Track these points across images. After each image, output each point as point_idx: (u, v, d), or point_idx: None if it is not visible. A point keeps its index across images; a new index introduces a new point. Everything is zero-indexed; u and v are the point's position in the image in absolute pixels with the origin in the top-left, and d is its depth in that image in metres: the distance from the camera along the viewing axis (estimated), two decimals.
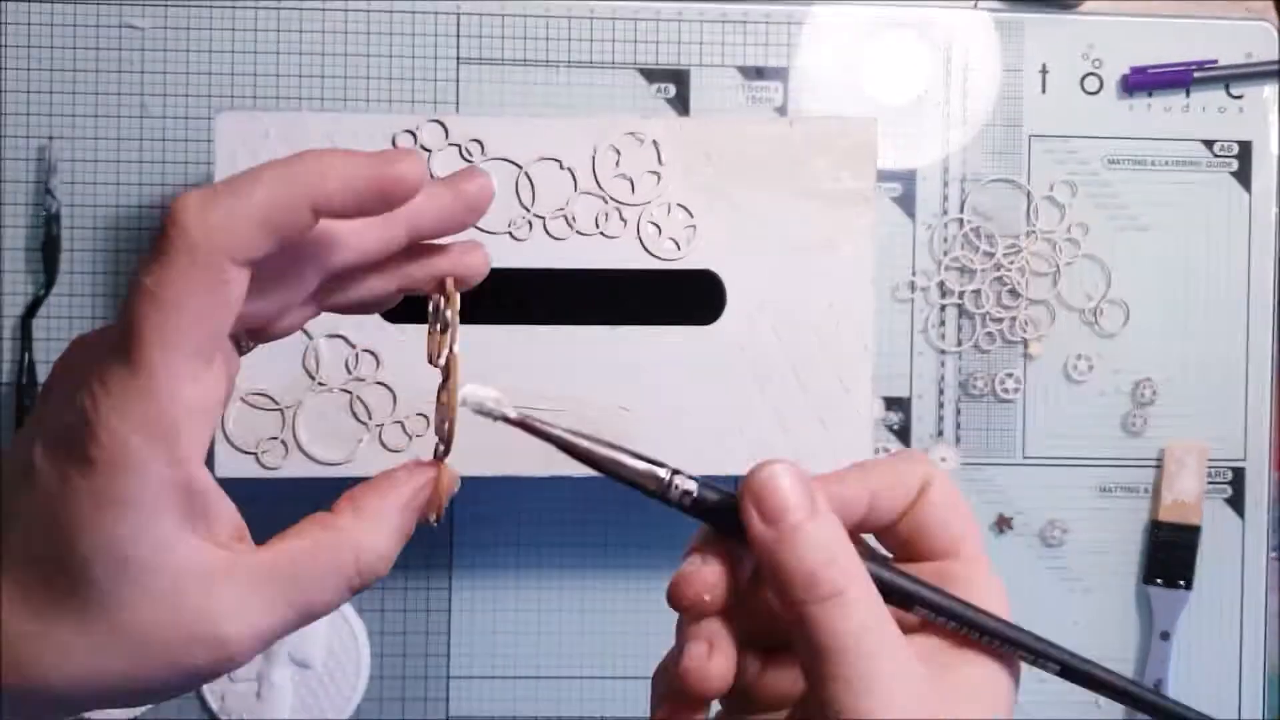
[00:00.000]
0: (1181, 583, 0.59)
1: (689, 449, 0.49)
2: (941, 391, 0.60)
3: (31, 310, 0.57)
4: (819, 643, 0.27)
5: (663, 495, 0.31)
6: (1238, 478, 0.60)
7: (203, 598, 0.26)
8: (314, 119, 0.48)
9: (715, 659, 0.30)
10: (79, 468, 0.25)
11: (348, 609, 0.58)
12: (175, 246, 0.25)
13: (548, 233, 0.49)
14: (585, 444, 0.31)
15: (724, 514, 0.31)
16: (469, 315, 0.31)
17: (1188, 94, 0.60)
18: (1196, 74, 0.60)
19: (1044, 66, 0.60)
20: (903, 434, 0.60)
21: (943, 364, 0.60)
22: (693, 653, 0.30)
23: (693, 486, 0.31)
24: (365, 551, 0.28)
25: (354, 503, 0.29)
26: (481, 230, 0.48)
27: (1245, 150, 0.60)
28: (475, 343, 0.45)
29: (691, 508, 0.31)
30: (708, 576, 0.31)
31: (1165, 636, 0.60)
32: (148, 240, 0.58)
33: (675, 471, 0.31)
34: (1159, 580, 0.60)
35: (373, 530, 0.28)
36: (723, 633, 0.30)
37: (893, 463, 0.31)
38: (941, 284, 0.60)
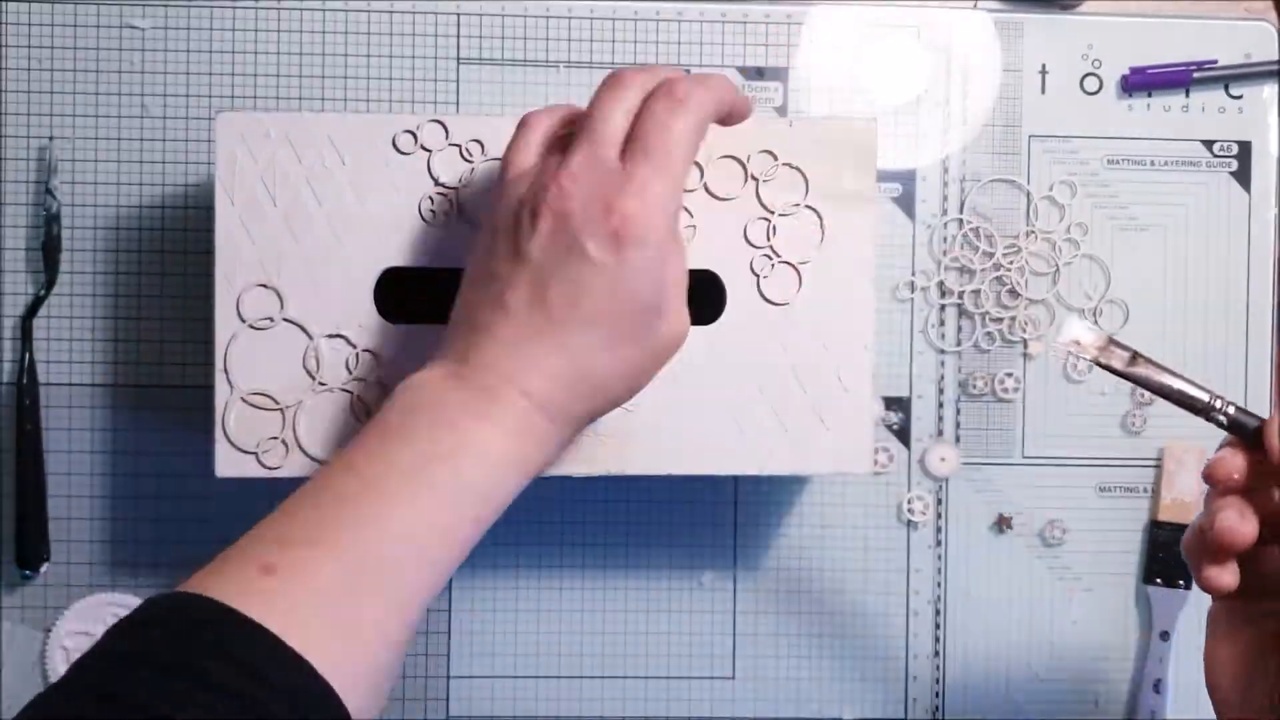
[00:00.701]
0: (1181, 583, 0.59)
1: (689, 448, 0.49)
2: (941, 391, 0.60)
3: (32, 310, 0.57)
4: None
5: (1207, 414, 0.41)
6: None
7: (674, 310, 0.42)
8: (314, 119, 0.48)
9: (1244, 520, 0.39)
10: (634, 252, 0.40)
11: None
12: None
13: None
14: (1149, 373, 0.42)
15: (1250, 432, 0.41)
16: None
17: (1187, 94, 0.60)
18: (1196, 74, 0.60)
19: (1044, 67, 0.60)
20: (902, 434, 0.60)
21: (942, 364, 0.60)
22: (1227, 515, 0.39)
23: (1232, 410, 0.41)
24: None
25: None
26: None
27: (1245, 150, 0.60)
28: None
29: (1228, 425, 0.41)
30: (1237, 461, 0.40)
31: (1165, 636, 0.60)
32: (148, 240, 0.58)
33: (1218, 397, 0.41)
34: (1159, 580, 0.60)
35: None
36: (1245, 504, 0.40)
37: None
38: (941, 284, 0.60)
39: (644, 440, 0.48)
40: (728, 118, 0.44)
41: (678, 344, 0.42)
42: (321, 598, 0.35)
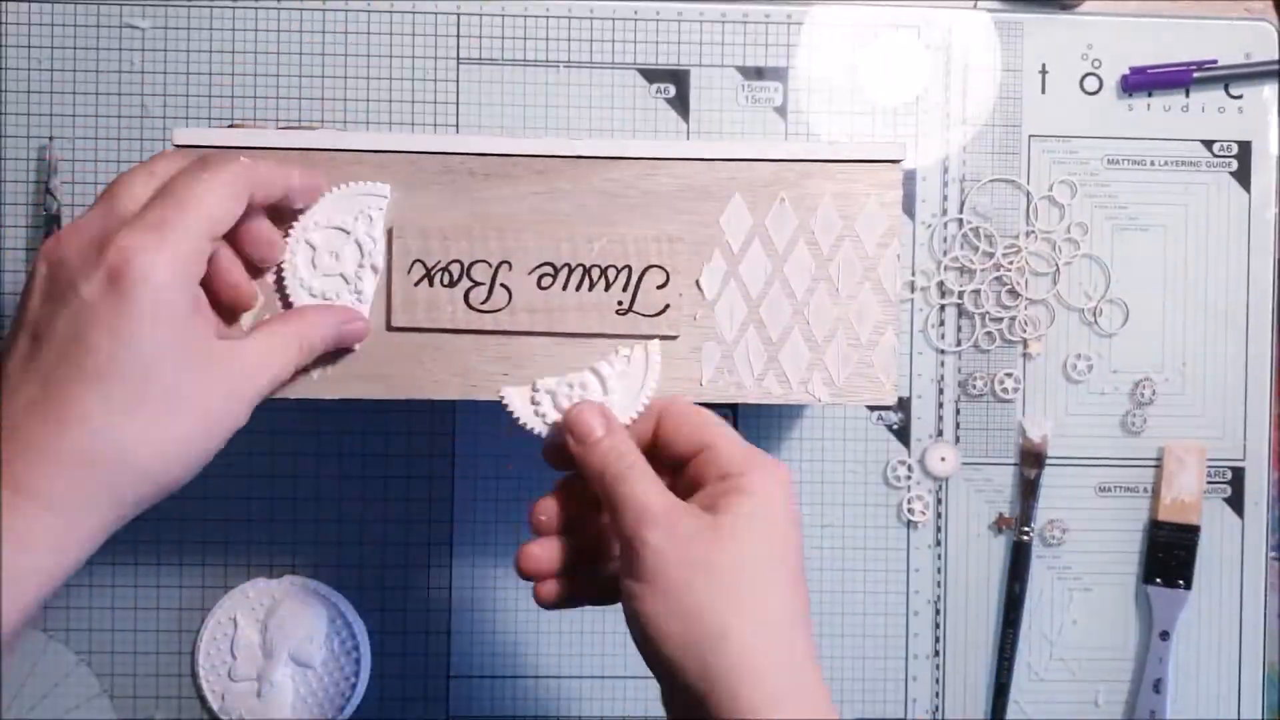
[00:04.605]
0: (1181, 582, 0.59)
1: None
2: (941, 391, 0.60)
3: None
4: (607, 493, 0.40)
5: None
6: (1237, 477, 0.60)
7: (228, 370, 0.37)
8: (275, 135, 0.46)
9: (539, 555, 0.43)
10: (134, 289, 0.34)
11: (348, 609, 0.58)
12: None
13: None
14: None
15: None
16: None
17: (1187, 94, 0.60)
18: (1196, 74, 0.60)
19: (1043, 66, 0.60)
20: (902, 434, 0.60)
21: (942, 364, 0.60)
22: (526, 550, 0.43)
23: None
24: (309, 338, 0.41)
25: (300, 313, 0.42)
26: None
27: (1245, 150, 0.60)
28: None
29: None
30: (546, 508, 0.43)
31: (1165, 636, 0.60)
32: None
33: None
34: (1159, 580, 0.60)
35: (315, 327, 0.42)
36: (553, 543, 0.43)
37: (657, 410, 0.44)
38: (941, 284, 0.60)
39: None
40: (285, 199, 0.42)
41: (224, 423, 0.36)
42: None
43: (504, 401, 0.45)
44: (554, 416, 0.44)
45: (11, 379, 0.34)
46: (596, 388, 0.45)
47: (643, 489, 0.39)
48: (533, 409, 0.45)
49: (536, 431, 0.44)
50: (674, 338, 0.46)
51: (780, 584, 0.38)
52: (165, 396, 0.35)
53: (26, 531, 0.33)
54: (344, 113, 0.58)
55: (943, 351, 0.60)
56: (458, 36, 0.59)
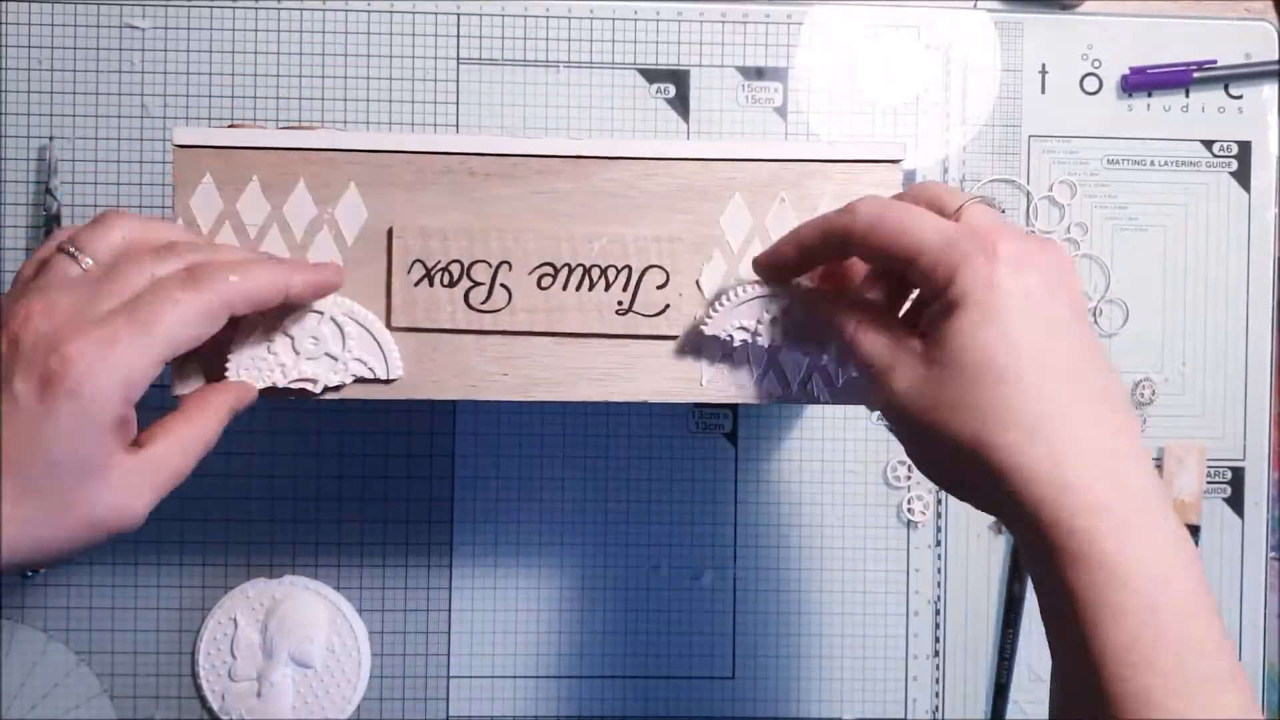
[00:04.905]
0: None
1: None
2: None
3: None
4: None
5: None
6: (1237, 477, 0.60)
7: (125, 484, 0.38)
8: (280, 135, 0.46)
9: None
10: (60, 402, 0.35)
11: (348, 609, 0.58)
12: None
13: None
14: None
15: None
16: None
17: (1187, 94, 0.60)
18: (1196, 74, 0.60)
19: (1043, 66, 0.60)
20: None
21: None
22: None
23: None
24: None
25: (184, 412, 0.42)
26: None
27: (1245, 150, 0.60)
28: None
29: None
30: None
31: None
32: None
33: None
34: None
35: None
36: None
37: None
38: None
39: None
40: (289, 301, 0.42)
41: (109, 529, 0.38)
42: None
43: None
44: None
45: None
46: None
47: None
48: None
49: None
50: (674, 338, 0.46)
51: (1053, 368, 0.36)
52: (55, 501, 0.36)
53: None
54: (344, 113, 0.58)
55: None
56: (458, 36, 0.59)
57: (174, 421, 0.40)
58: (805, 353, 0.44)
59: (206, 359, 0.45)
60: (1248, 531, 0.60)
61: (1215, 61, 0.60)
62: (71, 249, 0.39)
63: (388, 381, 0.45)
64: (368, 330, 0.44)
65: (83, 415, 0.36)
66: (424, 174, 0.45)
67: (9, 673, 0.58)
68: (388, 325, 0.45)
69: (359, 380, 0.45)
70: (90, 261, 0.39)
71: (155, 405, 0.40)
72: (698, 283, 0.46)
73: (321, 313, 0.44)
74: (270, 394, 0.44)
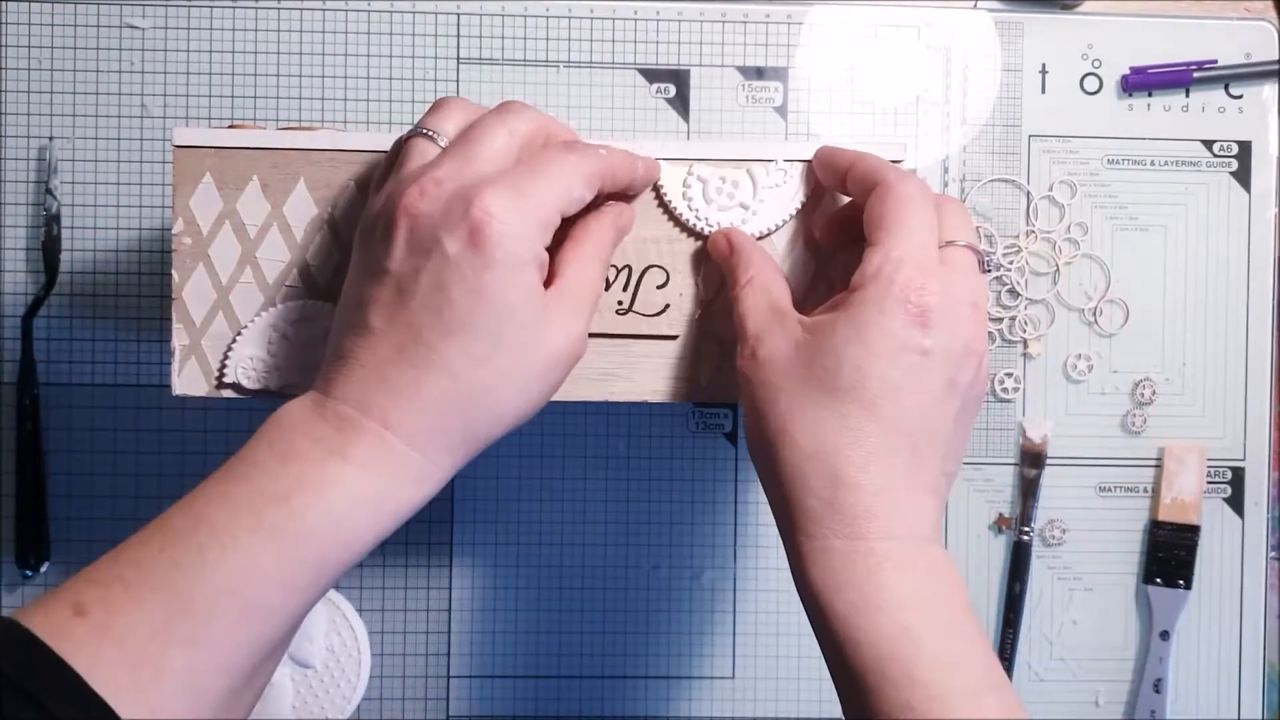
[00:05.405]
0: (1181, 582, 0.59)
1: None
2: None
3: (32, 310, 0.57)
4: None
5: None
6: (1237, 477, 0.60)
7: (564, 312, 0.39)
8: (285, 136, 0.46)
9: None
10: (494, 248, 0.37)
11: (348, 609, 0.58)
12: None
13: None
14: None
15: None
16: None
17: (1187, 94, 0.60)
18: (1196, 74, 0.60)
19: (1044, 66, 0.60)
20: None
21: None
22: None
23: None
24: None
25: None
26: None
27: (1245, 150, 0.60)
28: None
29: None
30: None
31: (1165, 636, 0.60)
32: (147, 240, 0.58)
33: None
34: (1159, 580, 0.60)
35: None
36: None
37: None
38: None
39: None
40: (628, 187, 0.44)
41: (569, 357, 0.40)
42: (126, 643, 0.33)
43: (659, 180, 0.45)
44: (700, 204, 0.45)
45: (380, 327, 0.37)
46: (748, 189, 0.45)
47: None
48: (682, 190, 0.45)
49: (676, 210, 0.45)
50: (674, 338, 0.46)
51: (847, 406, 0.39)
52: (515, 348, 0.37)
53: (394, 465, 0.36)
54: (344, 113, 0.58)
55: None
56: (458, 36, 0.59)
57: (572, 251, 0.41)
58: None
59: (205, 360, 0.45)
60: (1248, 531, 0.60)
61: (1215, 61, 0.60)
62: (426, 131, 0.40)
63: None
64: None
65: (513, 261, 0.37)
66: None
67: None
68: None
69: None
70: (445, 140, 0.40)
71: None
72: (698, 282, 0.46)
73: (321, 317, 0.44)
74: (267, 396, 0.44)
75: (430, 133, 0.40)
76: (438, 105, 0.42)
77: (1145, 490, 0.60)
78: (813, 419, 0.39)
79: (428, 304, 0.37)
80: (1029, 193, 0.60)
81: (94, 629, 0.33)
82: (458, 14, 0.59)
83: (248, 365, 0.44)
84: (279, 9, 0.58)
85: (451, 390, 0.37)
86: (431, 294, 0.37)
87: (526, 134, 0.40)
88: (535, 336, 0.38)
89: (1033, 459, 0.59)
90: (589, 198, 0.40)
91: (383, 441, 0.36)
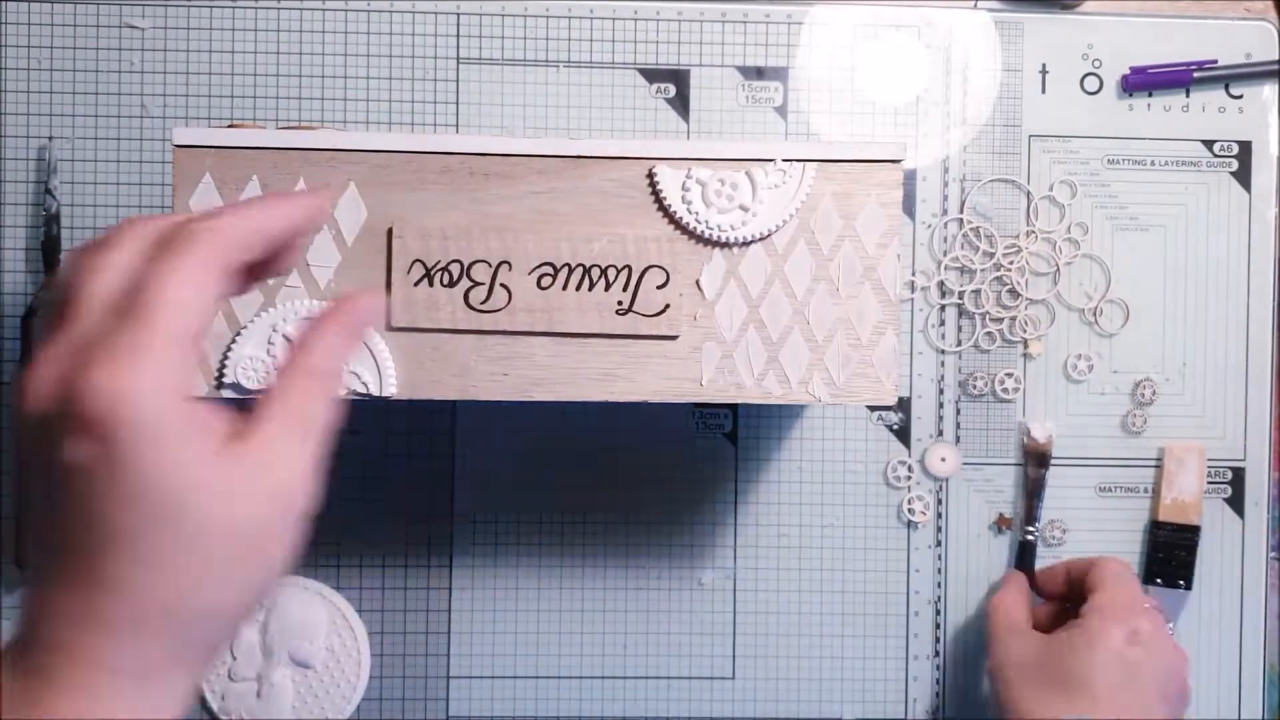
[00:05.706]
0: (1181, 582, 0.59)
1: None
2: (941, 391, 0.60)
3: (32, 310, 0.57)
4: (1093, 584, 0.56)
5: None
6: (1237, 478, 0.60)
7: (253, 470, 0.31)
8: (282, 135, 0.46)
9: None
10: (117, 452, 0.29)
11: (348, 609, 0.58)
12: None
13: None
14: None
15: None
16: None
17: (1187, 94, 0.60)
18: (1196, 74, 0.60)
19: (1044, 66, 0.60)
20: (903, 434, 0.60)
21: (942, 364, 0.60)
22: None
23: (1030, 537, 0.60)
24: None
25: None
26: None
27: (1245, 150, 0.60)
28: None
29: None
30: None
31: None
32: None
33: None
34: (1159, 580, 0.60)
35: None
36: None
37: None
38: (941, 284, 0.60)
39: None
40: (287, 238, 0.34)
41: (282, 514, 0.31)
42: None
43: (655, 177, 0.45)
44: (699, 207, 0.45)
45: (39, 554, 0.31)
46: (747, 191, 0.45)
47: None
48: (681, 194, 0.45)
49: (675, 213, 0.45)
50: (674, 338, 0.46)
51: None
52: (194, 533, 0.30)
53: (115, 704, 0.30)
54: (344, 113, 0.58)
55: (943, 351, 0.60)
56: (458, 36, 0.59)
57: (268, 407, 0.33)
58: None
59: (204, 360, 0.45)
60: (1248, 531, 0.60)
61: (1215, 61, 0.60)
62: (43, 290, 0.34)
63: (382, 399, 0.45)
64: (363, 342, 0.44)
65: (151, 439, 0.29)
66: (424, 174, 0.45)
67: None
68: (387, 325, 0.45)
69: (352, 394, 0.44)
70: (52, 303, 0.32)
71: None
72: (698, 283, 0.46)
73: None
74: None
75: (47, 292, 0.34)
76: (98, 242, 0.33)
77: (1145, 490, 0.60)
78: (1048, 707, 0.51)
79: (77, 521, 0.30)
80: (1029, 193, 0.60)
81: None
82: (458, 14, 0.59)
83: (247, 365, 0.44)
84: (279, 9, 0.58)
85: (138, 607, 0.30)
86: (75, 511, 0.30)
87: (129, 261, 0.31)
88: (214, 514, 0.30)
89: (1038, 459, 0.59)
90: (223, 290, 0.32)
91: (91, 684, 0.30)
